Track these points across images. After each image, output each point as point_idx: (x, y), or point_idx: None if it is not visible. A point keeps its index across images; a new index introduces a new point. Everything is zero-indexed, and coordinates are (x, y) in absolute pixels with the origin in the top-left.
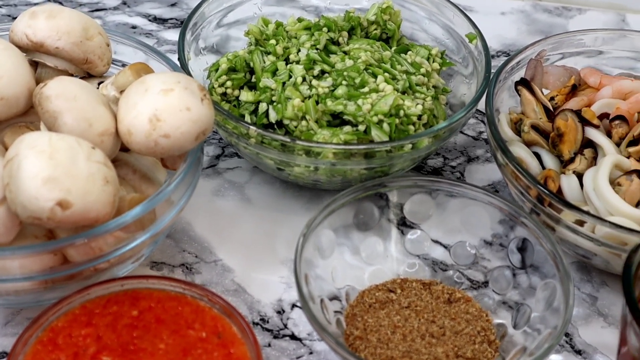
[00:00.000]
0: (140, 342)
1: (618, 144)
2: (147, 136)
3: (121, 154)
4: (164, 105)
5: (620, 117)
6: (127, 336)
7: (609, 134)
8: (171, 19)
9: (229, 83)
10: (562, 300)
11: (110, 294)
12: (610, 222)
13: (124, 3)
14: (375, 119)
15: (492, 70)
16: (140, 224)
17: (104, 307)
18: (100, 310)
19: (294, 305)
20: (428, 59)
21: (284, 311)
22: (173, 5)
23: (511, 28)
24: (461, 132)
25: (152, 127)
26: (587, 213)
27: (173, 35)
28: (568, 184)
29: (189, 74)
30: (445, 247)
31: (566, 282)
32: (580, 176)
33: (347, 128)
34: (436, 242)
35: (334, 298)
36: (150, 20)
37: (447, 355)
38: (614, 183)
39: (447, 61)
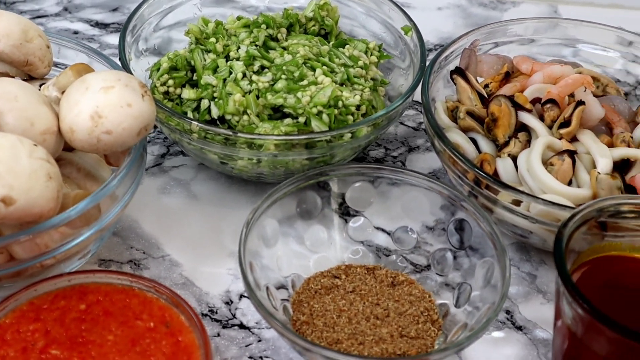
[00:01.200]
0: (89, 334)
1: (550, 127)
2: (90, 133)
3: (65, 153)
4: (105, 102)
5: (552, 101)
6: (76, 329)
7: (541, 118)
8: (113, 23)
9: (170, 82)
10: (499, 277)
11: (57, 289)
12: (543, 200)
13: (65, 9)
14: (314, 110)
15: (428, 61)
16: (85, 219)
17: (51, 302)
18: (48, 306)
19: (241, 296)
20: (366, 53)
21: (232, 302)
22: (115, 10)
23: (447, 22)
24: (401, 124)
25: (94, 124)
26: (522, 192)
27: (115, 39)
28: (503, 166)
29: (130, 74)
30: (388, 233)
31: (503, 259)
32: (515, 159)
33: (288, 120)
34: (379, 228)
35: (281, 287)
36: (92, 26)
37: (391, 335)
38: (546, 163)
39: (385, 54)
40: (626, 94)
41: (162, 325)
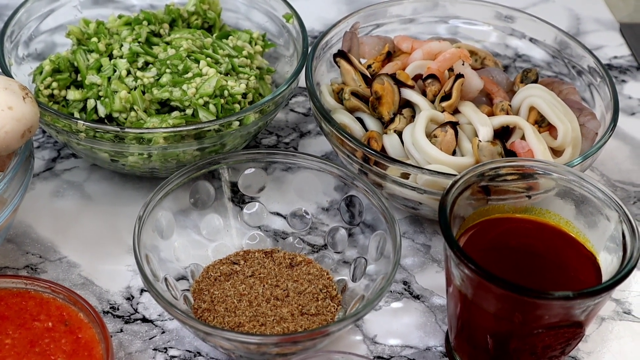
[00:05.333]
0: None
1: (433, 101)
2: None
3: None
4: None
5: (432, 76)
6: None
7: (424, 93)
8: None
9: (54, 84)
10: (391, 248)
11: None
12: (428, 170)
13: None
14: (201, 101)
15: (310, 47)
16: None
17: None
18: None
19: (142, 291)
20: (250, 43)
21: (133, 297)
22: None
23: (331, 9)
24: (292, 110)
25: None
26: (409, 164)
27: None
28: (390, 142)
29: None
30: (283, 216)
31: (393, 231)
32: (401, 134)
33: (176, 113)
34: (274, 213)
35: (181, 278)
36: None
37: (292, 314)
38: (430, 136)
39: (269, 43)
40: (506, 67)
41: (61, 324)
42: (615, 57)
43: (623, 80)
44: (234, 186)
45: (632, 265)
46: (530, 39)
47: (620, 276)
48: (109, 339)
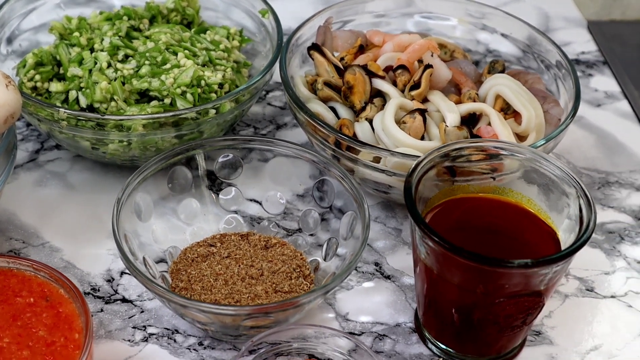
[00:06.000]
0: None
1: (403, 91)
2: None
3: None
4: None
5: (402, 67)
6: None
7: (395, 84)
8: None
9: (37, 77)
10: (361, 227)
11: None
12: (397, 153)
13: None
14: (178, 90)
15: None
16: None
17: None
18: None
19: (122, 273)
20: (228, 38)
21: (113, 279)
22: None
23: (309, 8)
24: (269, 104)
25: None
26: (378, 147)
27: None
28: (361, 129)
29: None
30: (259, 202)
31: (363, 211)
32: (372, 122)
33: (154, 103)
34: (250, 198)
35: (160, 261)
36: None
37: (266, 291)
38: (400, 122)
39: (246, 38)
40: (477, 62)
41: (42, 299)
42: (583, 53)
43: (590, 75)
44: (210, 172)
45: (588, 236)
46: (502, 34)
47: (576, 246)
48: (88, 312)
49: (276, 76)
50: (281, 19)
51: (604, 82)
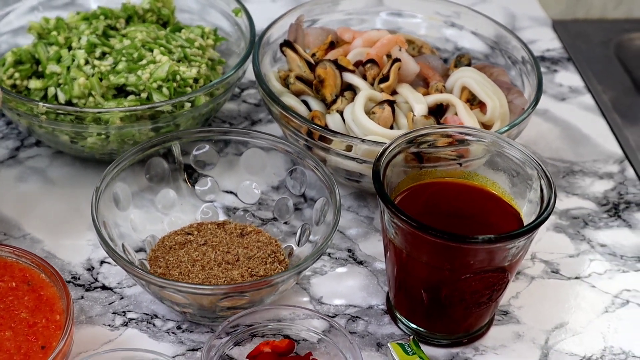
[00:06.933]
0: None
1: (372, 84)
2: None
3: None
4: None
5: (371, 61)
6: None
7: (365, 78)
8: None
9: (16, 74)
10: (332, 213)
11: None
12: (368, 140)
13: None
14: (154, 85)
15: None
16: None
17: None
18: None
19: (102, 262)
20: (202, 37)
21: (93, 268)
22: None
23: (281, 11)
24: (244, 102)
25: None
26: (349, 136)
27: None
28: (332, 121)
29: None
30: (235, 194)
31: (334, 197)
32: (342, 114)
33: (131, 97)
34: (226, 189)
35: (139, 250)
36: None
37: (242, 276)
38: (369, 113)
39: (220, 37)
40: (445, 60)
41: (24, 284)
42: (548, 50)
43: (555, 70)
44: (187, 163)
45: (549, 213)
46: (470, 32)
47: (538, 222)
48: (69, 294)
49: (249, 75)
50: (255, 21)
51: (568, 77)
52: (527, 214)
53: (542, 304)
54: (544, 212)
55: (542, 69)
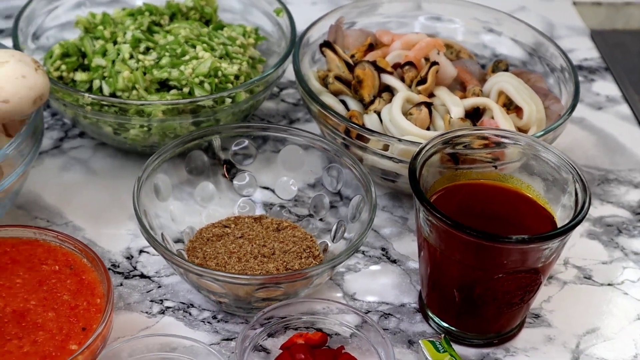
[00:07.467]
0: None
1: (410, 86)
2: None
3: None
4: (1, 75)
5: (410, 63)
6: None
7: (403, 80)
8: (8, 28)
9: (63, 67)
10: (367, 210)
11: None
12: (405, 140)
13: None
14: (196, 80)
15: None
16: None
17: None
18: None
19: (141, 251)
20: (244, 35)
21: (132, 257)
22: (8, 17)
23: (321, 14)
24: (282, 101)
25: None
26: (387, 135)
27: (10, 43)
28: (370, 121)
29: None
30: (272, 189)
31: (370, 194)
32: (380, 114)
33: (174, 91)
34: (263, 184)
35: (178, 241)
36: None
37: (277, 269)
38: (406, 114)
39: (261, 36)
40: (483, 66)
41: (67, 267)
42: (586, 59)
43: (592, 79)
44: (226, 157)
45: (583, 216)
46: (510, 38)
47: (572, 224)
48: (109, 279)
49: (289, 75)
50: (295, 22)
51: (605, 86)
52: (561, 218)
53: (574, 309)
54: (579, 215)
55: (579, 78)
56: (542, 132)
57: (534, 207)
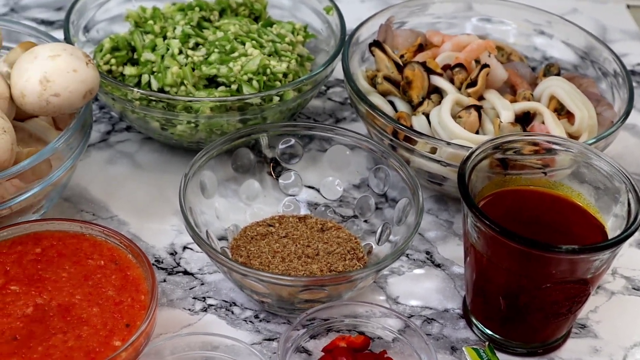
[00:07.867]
0: (44, 272)
1: (460, 88)
2: (39, 96)
3: (18, 122)
4: (53, 68)
5: (460, 65)
6: (32, 269)
7: (452, 82)
8: (59, 20)
9: (113, 60)
10: (414, 213)
11: (14, 236)
12: (453, 143)
13: (12, 9)
14: (245, 77)
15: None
16: (36, 172)
17: (9, 247)
18: (6, 250)
19: (185, 247)
20: (293, 33)
21: (176, 253)
22: (59, 9)
23: (370, 13)
24: (329, 99)
25: (43, 88)
26: (435, 138)
27: (60, 35)
28: (418, 122)
29: None
30: (317, 189)
31: (417, 198)
32: (428, 116)
33: (222, 88)
34: (308, 183)
35: (222, 238)
36: (38, 24)
37: (321, 270)
38: (455, 117)
39: (310, 34)
40: (533, 69)
41: (112, 263)
42: (639, 64)
43: None
44: (272, 156)
45: (635, 228)
46: (562, 41)
47: (624, 236)
48: (154, 276)
49: (337, 73)
50: (345, 21)
51: None
52: (612, 228)
53: (622, 320)
54: (632, 226)
55: (633, 84)
56: (594, 140)
57: (584, 215)
